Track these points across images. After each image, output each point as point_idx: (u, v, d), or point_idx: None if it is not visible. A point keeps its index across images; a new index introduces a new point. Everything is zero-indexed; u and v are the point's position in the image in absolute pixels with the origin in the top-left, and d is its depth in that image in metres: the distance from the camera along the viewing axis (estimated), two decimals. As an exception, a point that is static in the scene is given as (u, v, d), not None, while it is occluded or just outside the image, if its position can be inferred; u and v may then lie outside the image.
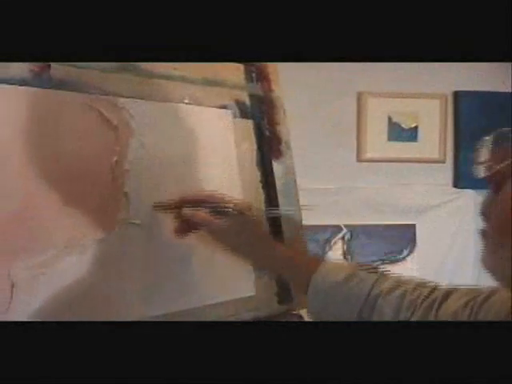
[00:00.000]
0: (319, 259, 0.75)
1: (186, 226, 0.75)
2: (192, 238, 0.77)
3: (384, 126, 1.72)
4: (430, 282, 0.67)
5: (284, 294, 0.89)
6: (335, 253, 1.64)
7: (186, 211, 0.74)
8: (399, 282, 0.67)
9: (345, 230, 1.64)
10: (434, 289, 0.65)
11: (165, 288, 0.75)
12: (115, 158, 0.73)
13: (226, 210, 0.75)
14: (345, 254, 1.65)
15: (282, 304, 0.89)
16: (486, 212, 0.44)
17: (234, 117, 0.88)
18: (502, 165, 0.42)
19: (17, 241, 0.63)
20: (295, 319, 0.89)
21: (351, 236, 1.64)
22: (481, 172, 0.45)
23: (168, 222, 0.76)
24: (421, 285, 0.66)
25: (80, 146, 0.70)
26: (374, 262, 1.62)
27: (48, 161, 0.67)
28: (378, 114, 1.71)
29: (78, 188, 0.69)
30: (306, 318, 0.87)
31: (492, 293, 0.56)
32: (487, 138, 0.47)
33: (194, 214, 0.74)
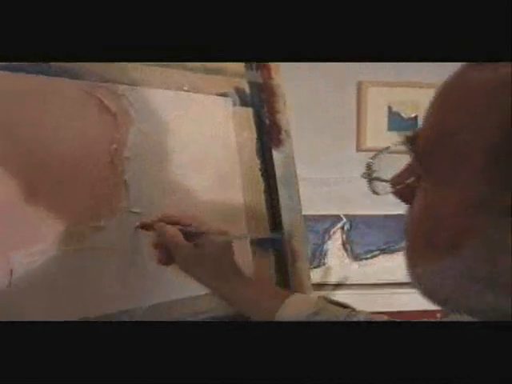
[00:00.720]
0: (287, 293, 0.72)
1: (166, 254, 0.72)
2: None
3: (384, 116, 1.71)
4: None
5: (284, 283, 0.89)
6: (334, 243, 1.64)
7: (160, 225, 0.71)
8: (371, 317, 0.66)
9: (344, 220, 1.64)
10: None
11: (165, 276, 0.75)
12: (114, 146, 0.72)
13: (199, 233, 0.71)
14: (344, 244, 1.64)
15: (282, 293, 0.89)
16: (404, 228, 0.43)
17: (234, 105, 0.87)
18: (409, 180, 0.41)
19: (15, 228, 0.63)
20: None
21: (351, 226, 1.64)
22: (387, 189, 0.44)
23: (169, 210, 0.76)
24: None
25: (79, 133, 0.69)
26: (373, 251, 1.63)
27: (47, 148, 0.66)
28: (378, 103, 1.71)
29: (78, 175, 0.69)
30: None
31: None
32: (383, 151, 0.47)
33: (166, 230, 0.70)
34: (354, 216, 1.64)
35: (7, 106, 0.64)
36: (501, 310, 0.37)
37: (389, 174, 0.45)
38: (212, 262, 0.71)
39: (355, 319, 0.66)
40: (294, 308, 0.68)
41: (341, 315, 0.67)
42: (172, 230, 0.70)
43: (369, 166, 0.46)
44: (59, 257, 0.66)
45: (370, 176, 0.46)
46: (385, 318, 0.66)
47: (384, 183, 0.45)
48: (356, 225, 1.65)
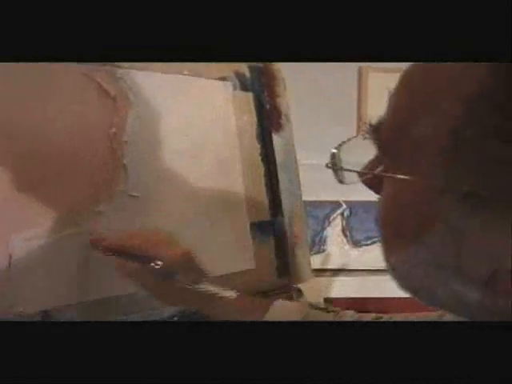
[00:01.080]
0: (268, 302, 0.69)
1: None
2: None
3: (385, 101, 1.70)
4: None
5: (284, 268, 0.89)
6: (334, 229, 1.64)
7: (119, 262, 0.65)
8: (358, 317, 0.66)
9: (344, 206, 1.64)
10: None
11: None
12: (114, 130, 0.72)
13: (155, 267, 0.62)
14: (344, 230, 1.64)
15: (282, 278, 0.89)
16: (376, 218, 0.42)
17: (234, 89, 0.86)
18: (378, 169, 0.40)
19: (14, 212, 0.63)
20: (295, 292, 0.89)
21: (350, 212, 1.64)
22: (354, 178, 0.44)
23: (168, 195, 0.75)
24: (380, 317, 0.65)
25: (78, 118, 0.69)
26: (372, 237, 1.62)
27: (46, 133, 0.66)
28: (378, 88, 1.70)
29: (76, 160, 0.68)
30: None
31: None
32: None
33: (125, 266, 0.64)
34: (354, 202, 1.63)
35: (4, 92, 0.63)
36: (467, 300, 0.36)
37: (356, 163, 0.45)
38: (183, 293, 0.66)
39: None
40: (279, 316, 0.66)
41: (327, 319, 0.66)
42: (131, 265, 0.64)
43: (333, 156, 0.46)
44: (58, 241, 0.65)
45: (335, 166, 0.46)
46: (372, 315, 0.65)
47: (350, 173, 0.45)
48: (356, 211, 1.64)
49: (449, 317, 0.52)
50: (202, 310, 0.69)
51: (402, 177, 0.38)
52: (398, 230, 0.39)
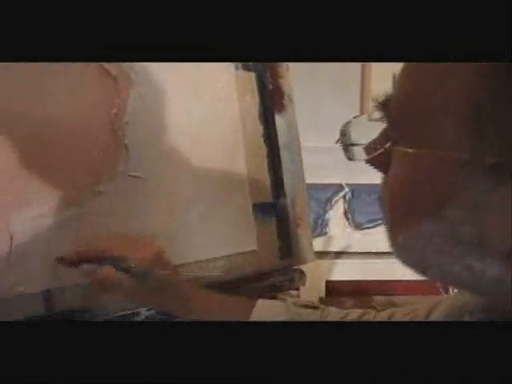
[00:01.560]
0: (251, 302, 0.67)
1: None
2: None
3: (388, 85, 1.69)
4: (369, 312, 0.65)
5: (286, 249, 0.89)
6: (336, 212, 1.64)
7: (88, 268, 0.63)
8: (344, 315, 0.66)
9: (346, 189, 1.64)
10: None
11: (167, 242, 0.75)
12: (115, 110, 0.71)
13: (129, 267, 0.62)
14: (346, 213, 1.64)
15: (284, 259, 0.89)
16: (381, 198, 0.42)
17: (236, 69, 0.86)
18: (386, 145, 0.40)
19: (15, 193, 0.62)
20: (297, 274, 0.89)
21: (352, 195, 1.63)
22: (362, 155, 0.43)
23: (170, 175, 0.75)
24: (365, 314, 0.65)
25: (79, 97, 0.68)
26: (374, 220, 1.62)
27: (48, 114, 0.65)
28: (382, 71, 1.68)
29: (77, 140, 0.68)
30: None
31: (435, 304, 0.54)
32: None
33: (99, 272, 0.63)
34: (356, 185, 1.63)
35: (5, 73, 0.62)
36: (484, 276, 0.36)
37: (363, 140, 0.44)
38: (161, 294, 0.65)
39: (330, 318, 0.64)
40: (264, 316, 0.65)
41: (314, 317, 0.65)
42: (106, 270, 0.63)
43: (343, 133, 0.45)
44: (59, 222, 0.65)
45: (344, 142, 0.45)
46: (358, 312, 0.65)
47: (360, 149, 0.44)
48: (358, 194, 1.64)
49: (438, 316, 0.52)
50: (177, 312, 0.67)
51: (417, 151, 0.37)
52: (410, 207, 0.38)
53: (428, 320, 0.54)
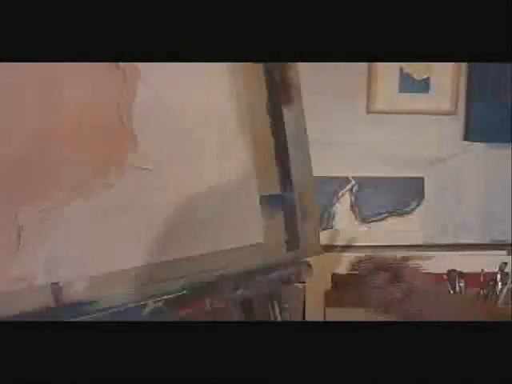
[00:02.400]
0: None
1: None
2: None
3: (395, 77, 1.68)
4: None
5: (293, 241, 0.89)
6: (343, 205, 1.64)
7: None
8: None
9: (353, 182, 1.63)
10: None
11: (174, 234, 0.75)
12: (123, 102, 0.71)
13: None
14: (352, 206, 1.64)
15: (291, 251, 0.89)
16: None
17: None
18: None
19: (24, 184, 0.62)
20: (304, 267, 0.89)
21: (359, 188, 1.63)
22: None
23: (178, 168, 0.75)
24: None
25: (87, 89, 0.68)
26: (381, 214, 1.62)
27: (56, 106, 0.65)
28: (389, 64, 1.67)
29: (86, 131, 0.68)
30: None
31: None
32: None
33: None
34: (363, 178, 1.62)
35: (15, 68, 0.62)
36: None
37: None
38: None
39: None
40: None
41: None
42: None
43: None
44: (68, 214, 0.65)
45: None
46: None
47: None
48: (364, 187, 1.64)
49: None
50: None
51: None
52: None
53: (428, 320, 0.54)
